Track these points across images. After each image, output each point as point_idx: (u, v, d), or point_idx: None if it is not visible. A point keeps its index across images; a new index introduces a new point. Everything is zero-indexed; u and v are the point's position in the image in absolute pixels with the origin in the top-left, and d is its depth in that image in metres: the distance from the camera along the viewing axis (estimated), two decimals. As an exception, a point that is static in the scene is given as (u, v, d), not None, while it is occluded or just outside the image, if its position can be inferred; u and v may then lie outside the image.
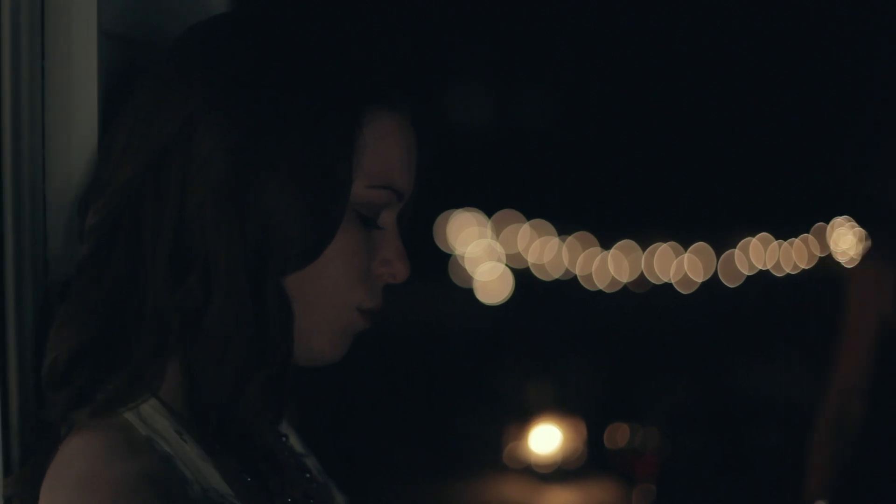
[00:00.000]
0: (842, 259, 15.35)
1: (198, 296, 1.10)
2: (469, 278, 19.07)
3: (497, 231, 20.91)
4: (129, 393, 1.09)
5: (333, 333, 1.18)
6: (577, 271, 21.24)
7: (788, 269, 20.00)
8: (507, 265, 19.84)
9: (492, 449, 7.66)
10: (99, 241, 1.12)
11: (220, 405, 1.11)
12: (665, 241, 21.79)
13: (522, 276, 19.28)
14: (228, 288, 1.10)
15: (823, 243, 19.21)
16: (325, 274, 1.14)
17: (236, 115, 1.10)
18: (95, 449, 1.06)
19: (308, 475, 1.27)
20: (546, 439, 7.48)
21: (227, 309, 1.10)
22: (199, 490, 1.07)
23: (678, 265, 21.41)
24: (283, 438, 1.29)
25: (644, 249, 22.09)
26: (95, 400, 1.09)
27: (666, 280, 20.76)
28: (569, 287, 19.67)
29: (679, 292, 19.18)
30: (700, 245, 20.44)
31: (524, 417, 7.69)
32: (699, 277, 19.76)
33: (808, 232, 19.87)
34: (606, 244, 21.83)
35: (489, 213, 20.23)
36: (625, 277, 20.93)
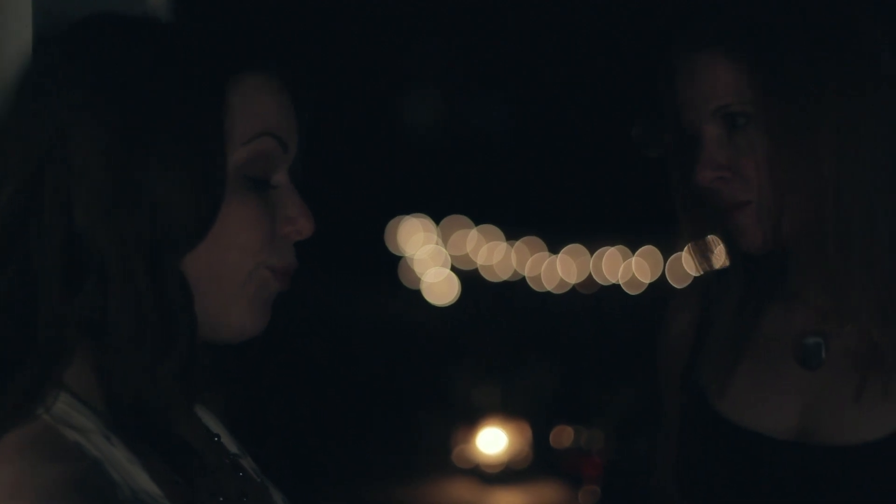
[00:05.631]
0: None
1: (96, 300, 1.12)
2: (417, 280, 19.12)
3: (445, 237, 20.95)
4: (22, 404, 1.10)
5: (249, 300, 1.18)
6: (526, 273, 21.32)
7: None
8: (454, 266, 19.89)
9: (440, 450, 7.67)
10: None
11: (133, 396, 1.12)
12: (613, 244, 21.89)
13: (471, 279, 19.33)
14: (126, 284, 1.11)
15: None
16: (230, 245, 1.16)
17: (103, 116, 1.12)
18: (22, 456, 1.06)
19: (241, 474, 1.28)
20: (493, 441, 7.51)
21: (127, 304, 1.11)
22: (129, 493, 1.08)
23: (626, 268, 21.52)
24: (216, 438, 1.30)
25: (592, 253, 22.19)
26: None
27: (614, 281, 20.87)
28: (517, 288, 19.74)
29: (627, 293, 19.28)
30: (648, 248, 20.57)
31: (472, 419, 7.72)
32: (647, 279, 19.88)
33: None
34: (554, 248, 21.91)
35: (437, 219, 20.27)
36: (573, 281, 21.03)
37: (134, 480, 1.09)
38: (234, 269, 1.17)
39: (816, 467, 1.55)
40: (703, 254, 1.70)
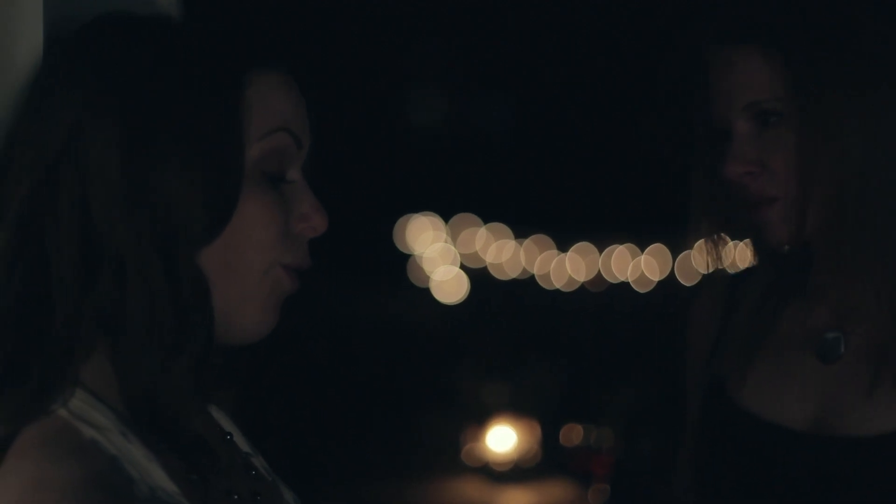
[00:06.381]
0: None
1: (112, 296, 1.12)
2: (426, 278, 19.14)
3: (454, 235, 20.96)
4: (39, 400, 1.11)
5: (262, 298, 1.19)
6: (535, 271, 21.31)
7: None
8: (463, 265, 19.90)
9: (450, 449, 7.68)
10: (4, 262, 1.14)
11: (147, 392, 1.12)
12: (622, 242, 21.88)
13: (480, 277, 19.33)
14: (142, 277, 1.12)
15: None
16: (246, 240, 1.16)
17: (117, 113, 1.13)
18: (40, 452, 1.07)
19: (254, 473, 1.28)
20: (502, 439, 7.53)
21: (143, 301, 1.12)
22: (147, 490, 1.09)
23: (634, 266, 21.51)
24: (228, 436, 1.30)
25: (601, 251, 22.17)
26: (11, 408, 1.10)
27: (623, 279, 20.86)
28: (526, 286, 19.73)
29: (636, 291, 19.27)
30: (657, 246, 20.56)
31: (482, 418, 7.73)
32: (656, 277, 19.88)
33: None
34: (563, 246, 21.90)
35: (446, 218, 20.27)
36: (582, 279, 21.02)
37: (151, 477, 1.10)
38: (250, 266, 1.18)
39: (830, 458, 1.56)
40: (717, 250, 1.70)
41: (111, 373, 1.15)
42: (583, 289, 20.12)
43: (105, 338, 1.14)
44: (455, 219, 20.59)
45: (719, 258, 1.71)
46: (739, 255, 1.74)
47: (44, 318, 1.13)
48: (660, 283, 19.10)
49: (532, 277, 21.00)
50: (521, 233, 21.62)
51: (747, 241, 1.71)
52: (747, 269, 1.74)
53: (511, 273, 21.31)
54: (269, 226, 1.18)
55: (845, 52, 1.54)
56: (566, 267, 21.78)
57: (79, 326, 1.13)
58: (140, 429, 1.13)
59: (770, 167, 1.55)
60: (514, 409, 7.89)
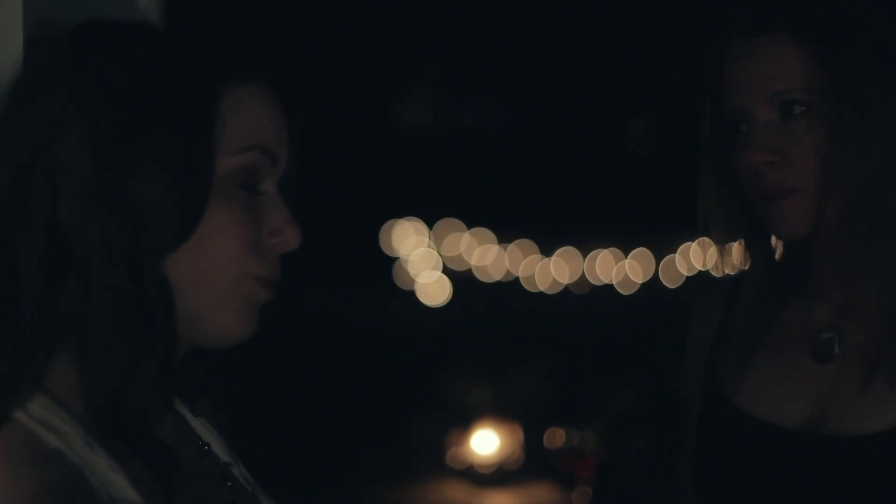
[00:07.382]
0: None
1: (77, 296, 1.12)
2: (411, 281, 19.18)
3: (438, 240, 20.97)
4: (2, 403, 1.11)
5: (235, 307, 1.19)
6: (519, 274, 21.34)
7: (728, 270, 20.10)
8: (446, 267, 19.95)
9: (434, 452, 7.68)
10: None
11: (110, 395, 1.12)
12: (605, 247, 21.90)
13: (464, 280, 19.37)
14: (106, 282, 1.12)
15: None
16: (214, 247, 1.17)
17: (92, 116, 1.14)
18: (3, 462, 1.07)
19: (230, 483, 1.28)
20: (486, 442, 7.54)
21: (107, 303, 1.12)
22: (109, 500, 1.08)
23: (618, 270, 21.54)
24: (206, 447, 1.30)
25: (585, 256, 22.18)
26: None
27: (607, 281, 20.91)
28: (510, 289, 19.76)
29: (620, 293, 19.31)
30: (640, 250, 20.58)
31: (466, 421, 7.73)
32: (639, 279, 19.92)
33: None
34: (547, 251, 21.90)
35: (430, 222, 20.27)
36: (566, 281, 21.06)
37: (114, 487, 1.10)
38: (218, 276, 1.17)
39: (827, 457, 1.57)
40: (727, 251, 1.70)
41: (76, 379, 1.14)
42: (567, 291, 20.14)
43: (70, 341, 1.14)
44: (439, 224, 20.60)
45: (729, 257, 1.71)
46: (736, 256, 1.74)
47: (9, 318, 1.13)
48: (643, 285, 19.12)
49: (516, 280, 21.02)
50: (504, 237, 21.63)
51: (739, 242, 1.71)
52: (744, 271, 1.74)
53: (495, 276, 21.33)
54: (237, 236, 1.18)
55: (878, 45, 1.54)
56: (550, 272, 21.80)
57: (43, 325, 1.13)
58: (104, 436, 1.13)
59: (790, 158, 1.54)
60: (498, 411, 7.90)
